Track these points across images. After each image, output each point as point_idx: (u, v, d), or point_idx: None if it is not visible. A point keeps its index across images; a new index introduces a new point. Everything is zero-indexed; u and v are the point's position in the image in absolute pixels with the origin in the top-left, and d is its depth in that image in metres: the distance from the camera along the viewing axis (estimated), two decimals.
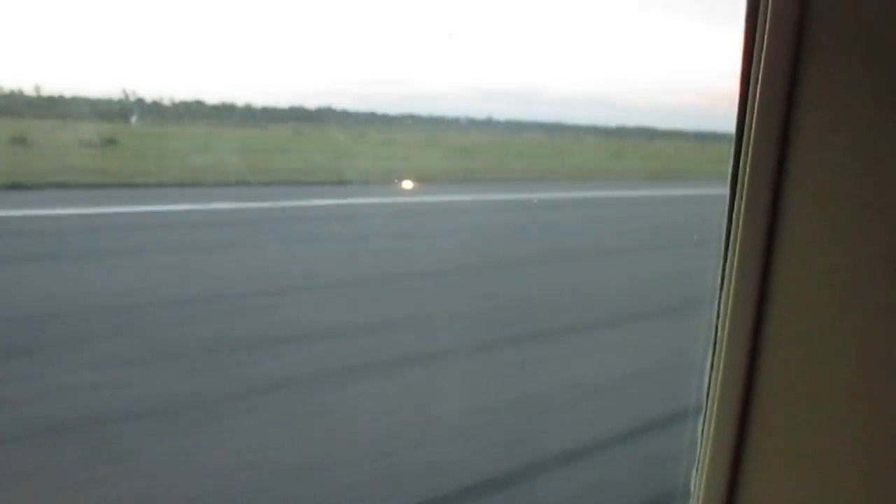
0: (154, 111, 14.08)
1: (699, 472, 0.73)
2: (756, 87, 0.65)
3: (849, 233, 0.61)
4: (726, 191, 0.70)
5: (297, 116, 15.66)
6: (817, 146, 0.63)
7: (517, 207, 9.83)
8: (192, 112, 14.42)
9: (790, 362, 0.65)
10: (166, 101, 14.63)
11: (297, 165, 10.87)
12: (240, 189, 8.67)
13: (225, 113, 14.28)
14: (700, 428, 0.74)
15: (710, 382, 0.72)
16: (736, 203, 0.68)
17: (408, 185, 10.18)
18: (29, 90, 12.48)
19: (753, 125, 0.66)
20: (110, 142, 11.28)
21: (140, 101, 14.44)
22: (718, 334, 0.70)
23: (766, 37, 0.64)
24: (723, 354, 0.69)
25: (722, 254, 0.71)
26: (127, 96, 14.24)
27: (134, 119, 13.26)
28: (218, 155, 11.16)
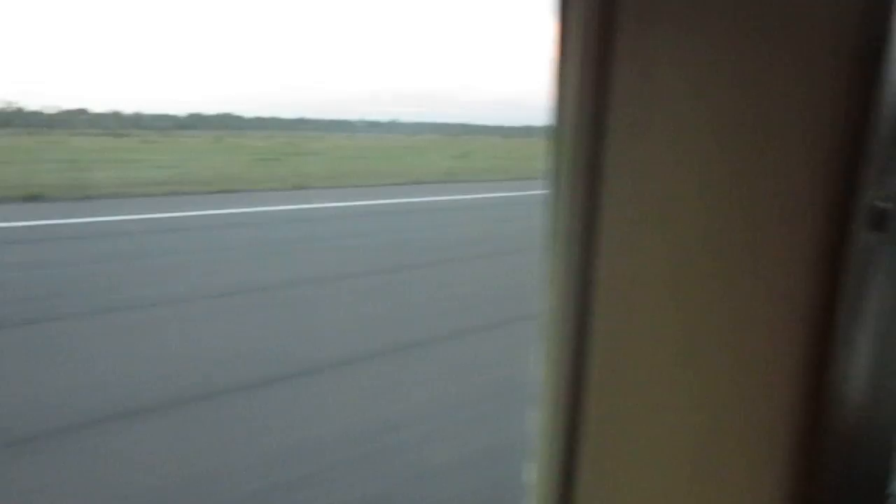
0: (26, 121, 13.44)
1: (536, 464, 0.72)
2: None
3: (667, 217, 0.60)
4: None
5: (183, 125, 15.23)
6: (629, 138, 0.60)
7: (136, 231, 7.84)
8: (76, 121, 13.84)
9: (616, 351, 0.64)
10: (51, 110, 14.00)
11: None
12: None
13: (108, 121, 13.82)
14: (536, 423, 0.73)
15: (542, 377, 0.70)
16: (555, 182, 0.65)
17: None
18: None
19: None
20: None
21: (19, 111, 13.83)
22: (545, 328, 0.68)
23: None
24: (550, 348, 0.67)
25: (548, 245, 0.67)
26: (9, 105, 13.75)
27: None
28: None
